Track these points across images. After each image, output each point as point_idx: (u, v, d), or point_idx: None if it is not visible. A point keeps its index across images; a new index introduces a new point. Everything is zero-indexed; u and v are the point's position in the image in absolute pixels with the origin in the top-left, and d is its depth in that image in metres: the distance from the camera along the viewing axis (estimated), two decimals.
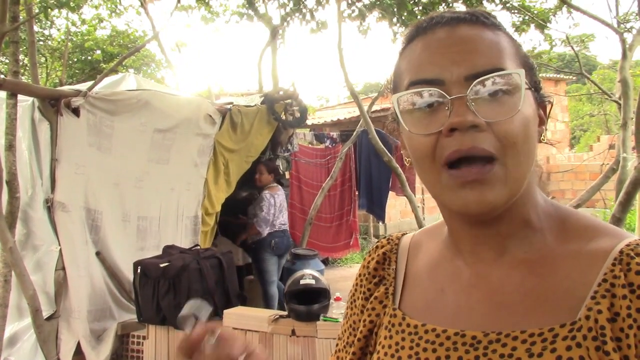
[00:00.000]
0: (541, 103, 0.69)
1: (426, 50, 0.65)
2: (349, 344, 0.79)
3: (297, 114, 5.67)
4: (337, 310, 3.09)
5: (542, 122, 0.68)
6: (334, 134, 7.59)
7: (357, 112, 7.25)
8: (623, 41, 4.58)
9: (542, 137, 0.69)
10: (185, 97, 5.03)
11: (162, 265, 3.46)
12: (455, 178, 0.61)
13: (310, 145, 7.53)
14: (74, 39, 10.75)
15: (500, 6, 6.14)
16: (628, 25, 5.29)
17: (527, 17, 6.15)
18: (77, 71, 11.26)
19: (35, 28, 8.05)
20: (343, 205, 7.32)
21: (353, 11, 6.24)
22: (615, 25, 4.81)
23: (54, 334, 3.71)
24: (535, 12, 6.11)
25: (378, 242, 0.85)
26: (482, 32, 0.64)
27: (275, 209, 5.14)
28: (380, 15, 6.28)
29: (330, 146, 7.40)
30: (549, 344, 0.59)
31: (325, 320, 3.02)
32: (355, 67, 62.44)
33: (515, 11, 6.20)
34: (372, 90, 22.26)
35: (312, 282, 3.09)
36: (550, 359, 0.58)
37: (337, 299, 3.16)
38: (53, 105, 3.76)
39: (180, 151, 4.54)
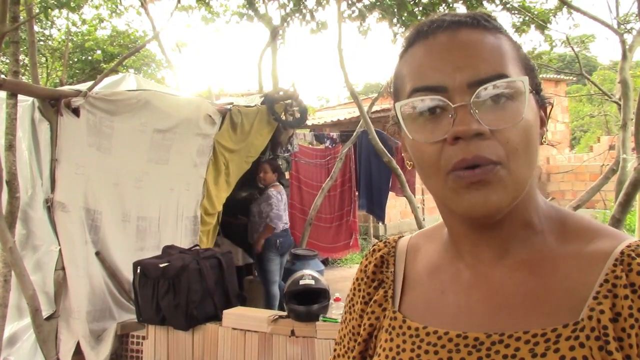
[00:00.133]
0: (542, 105, 0.69)
1: (428, 55, 0.65)
2: (350, 349, 0.79)
3: (297, 115, 5.67)
4: (337, 310, 3.09)
5: (542, 124, 0.68)
6: (334, 135, 7.59)
7: (357, 113, 7.25)
8: (623, 42, 4.58)
9: (543, 139, 0.69)
10: (185, 98, 5.03)
11: (161, 266, 3.46)
12: (461, 179, 0.61)
13: (310, 146, 7.54)
14: (75, 39, 10.75)
15: (500, 7, 6.14)
16: (628, 26, 5.29)
17: (527, 18, 6.15)
18: (77, 71, 11.26)
19: (36, 28, 8.06)
20: (343, 205, 7.32)
21: (353, 12, 6.24)
22: (616, 26, 4.81)
23: (53, 334, 3.71)
24: (536, 12, 6.11)
25: (375, 245, 0.84)
26: (483, 36, 0.64)
27: (283, 205, 5.17)
28: (380, 15, 6.28)
29: (330, 146, 7.40)
30: (552, 344, 0.59)
31: (324, 321, 3.01)
32: (355, 68, 62.49)
33: (516, 12, 6.21)
34: (372, 91, 22.27)
35: (312, 282, 3.09)
36: (554, 359, 0.58)
37: (337, 300, 3.16)
38: (53, 105, 3.76)
39: (180, 151, 4.54)
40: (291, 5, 6.22)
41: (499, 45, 0.64)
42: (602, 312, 0.58)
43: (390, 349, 0.70)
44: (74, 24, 10.16)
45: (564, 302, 0.62)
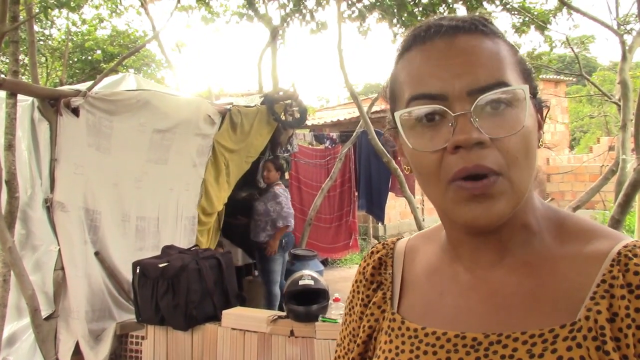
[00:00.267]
0: (539, 108, 0.69)
1: (426, 62, 0.64)
2: (350, 351, 0.79)
3: (297, 115, 5.67)
4: (336, 311, 3.09)
5: (540, 126, 0.68)
6: (334, 135, 7.59)
7: (357, 113, 7.25)
8: (623, 43, 4.58)
9: (540, 142, 0.69)
10: (184, 98, 5.03)
11: (161, 266, 3.46)
12: (463, 191, 0.61)
13: (310, 146, 7.54)
14: (74, 39, 10.74)
15: (500, 7, 6.14)
16: (628, 27, 5.28)
17: (527, 19, 6.15)
18: (77, 71, 11.25)
19: (36, 28, 8.06)
20: (342, 206, 7.32)
21: (353, 12, 6.24)
22: (615, 27, 4.81)
23: (52, 334, 3.70)
24: (536, 13, 6.11)
25: (373, 247, 0.84)
26: (481, 41, 0.64)
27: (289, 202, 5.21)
28: (380, 16, 6.28)
29: (329, 147, 7.40)
30: (550, 344, 0.59)
31: (324, 321, 3.01)
32: (355, 68, 62.62)
33: (516, 12, 6.20)
34: (372, 91, 22.27)
35: (311, 282, 3.09)
36: None
37: (336, 300, 3.16)
38: (53, 105, 3.76)
39: (180, 151, 4.54)
40: (291, 5, 6.22)
41: (497, 51, 0.64)
42: (599, 312, 0.59)
43: (390, 351, 0.71)
44: (74, 23, 10.16)
45: (561, 303, 0.62)
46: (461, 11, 6.18)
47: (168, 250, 3.81)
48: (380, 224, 9.10)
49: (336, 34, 5.48)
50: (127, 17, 14.30)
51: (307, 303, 3.04)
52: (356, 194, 7.36)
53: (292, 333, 3.05)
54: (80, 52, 11.01)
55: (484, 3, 6.07)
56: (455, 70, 0.62)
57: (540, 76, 9.17)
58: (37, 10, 5.11)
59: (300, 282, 3.10)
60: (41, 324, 3.56)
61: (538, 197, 0.71)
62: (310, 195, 6.74)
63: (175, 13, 5.31)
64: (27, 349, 3.66)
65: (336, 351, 0.83)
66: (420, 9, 6.11)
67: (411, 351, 0.68)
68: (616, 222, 3.13)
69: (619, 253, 0.61)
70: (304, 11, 6.30)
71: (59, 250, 3.72)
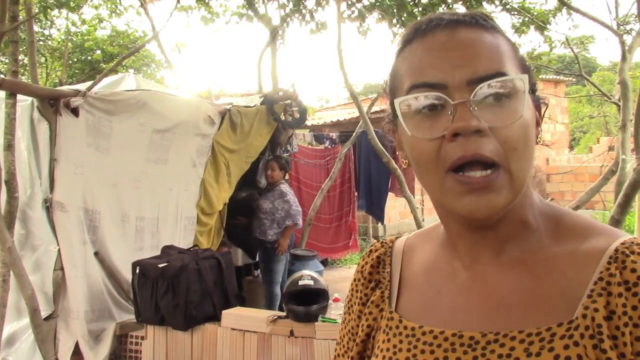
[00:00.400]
0: (537, 105, 0.69)
1: (427, 53, 0.65)
2: (349, 349, 0.80)
3: (297, 115, 5.67)
4: (336, 311, 3.09)
5: (537, 123, 0.68)
6: (334, 135, 7.59)
7: (356, 113, 7.25)
8: (622, 43, 4.58)
9: (538, 139, 0.69)
10: (184, 98, 5.03)
11: (160, 266, 3.46)
12: (462, 184, 0.61)
13: (309, 146, 7.54)
14: (74, 39, 10.74)
15: (500, 7, 6.14)
16: (627, 27, 5.28)
17: (527, 19, 6.15)
18: (77, 71, 11.25)
19: (35, 28, 8.05)
20: (342, 206, 7.32)
21: (353, 12, 6.23)
22: (615, 27, 4.81)
23: (52, 334, 3.70)
24: (535, 13, 6.11)
25: (372, 246, 0.84)
26: (481, 35, 0.64)
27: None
28: (380, 16, 6.27)
29: (329, 147, 7.40)
30: (547, 343, 0.59)
31: (323, 321, 3.01)
32: (355, 68, 62.57)
33: (515, 12, 6.20)
34: (372, 91, 22.26)
35: (311, 282, 3.09)
36: (548, 358, 0.58)
37: (336, 300, 3.16)
38: (52, 105, 3.75)
39: (179, 151, 4.53)
40: (291, 5, 6.22)
41: (497, 44, 0.64)
42: (596, 310, 0.58)
43: (388, 349, 0.71)
44: (73, 24, 10.15)
45: (559, 301, 0.62)
46: (461, 11, 6.17)
47: (168, 250, 3.81)
48: (380, 224, 9.10)
49: (336, 34, 5.47)
50: (126, 17, 14.27)
51: (306, 303, 3.04)
52: (356, 194, 7.36)
53: (291, 333, 3.05)
54: (80, 52, 11.01)
55: (484, 3, 6.06)
56: (455, 61, 0.62)
57: (540, 76, 9.16)
58: (36, 10, 5.10)
59: (300, 282, 3.10)
60: (41, 324, 3.56)
61: (536, 193, 0.71)
62: (310, 195, 6.74)
63: (175, 13, 5.31)
64: (26, 349, 3.66)
65: (336, 350, 0.83)
66: (420, 9, 6.10)
67: (409, 350, 0.68)
68: (616, 222, 3.12)
69: (616, 250, 0.61)
70: (303, 11, 6.30)
71: (59, 250, 3.72)
